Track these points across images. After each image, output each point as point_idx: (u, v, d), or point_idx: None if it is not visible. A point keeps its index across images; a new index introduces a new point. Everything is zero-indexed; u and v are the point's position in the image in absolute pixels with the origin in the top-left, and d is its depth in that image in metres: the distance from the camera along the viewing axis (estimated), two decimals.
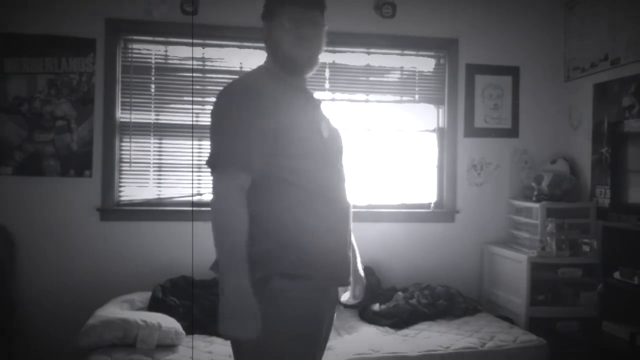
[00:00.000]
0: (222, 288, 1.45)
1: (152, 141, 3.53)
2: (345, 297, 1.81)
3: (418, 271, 3.71)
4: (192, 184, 3.50)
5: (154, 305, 2.95)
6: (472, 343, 2.82)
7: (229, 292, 1.44)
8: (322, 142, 1.58)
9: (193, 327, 2.77)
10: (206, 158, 1.56)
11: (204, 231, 3.44)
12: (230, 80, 1.67)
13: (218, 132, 1.55)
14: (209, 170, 1.54)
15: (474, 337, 2.90)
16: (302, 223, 1.53)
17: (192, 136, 3.49)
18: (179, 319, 2.77)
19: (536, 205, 3.48)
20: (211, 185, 1.52)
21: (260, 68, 1.68)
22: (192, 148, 3.49)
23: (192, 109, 3.51)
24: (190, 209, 3.42)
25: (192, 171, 3.50)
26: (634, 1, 3.24)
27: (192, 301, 2.99)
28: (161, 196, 3.53)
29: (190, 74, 3.51)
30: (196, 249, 3.30)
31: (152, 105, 3.53)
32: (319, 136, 1.57)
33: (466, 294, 3.56)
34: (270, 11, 1.62)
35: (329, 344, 1.78)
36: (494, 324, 3.13)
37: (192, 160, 3.49)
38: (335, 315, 1.73)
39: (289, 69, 1.62)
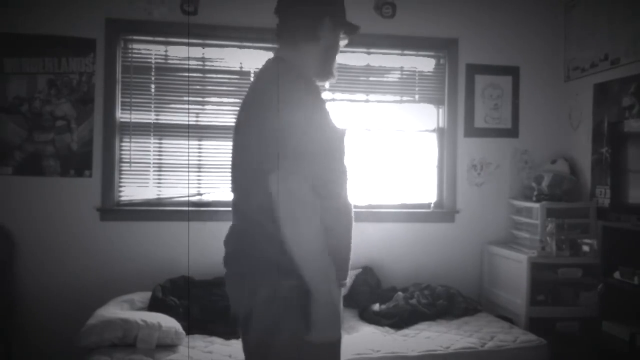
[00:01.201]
0: (316, 296, 1.42)
1: (152, 141, 3.53)
2: None
3: (418, 271, 3.71)
4: (189, 184, 3.49)
5: (154, 305, 2.95)
6: (472, 343, 2.82)
7: (323, 298, 1.42)
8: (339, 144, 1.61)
9: (189, 327, 2.77)
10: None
11: (204, 231, 3.44)
12: (271, 70, 1.60)
13: (291, 130, 1.44)
14: (272, 170, 1.41)
15: (474, 337, 2.90)
16: None
17: (189, 136, 3.49)
18: (179, 319, 2.77)
19: (536, 205, 3.48)
20: (279, 189, 1.39)
21: (293, 69, 1.60)
22: (189, 148, 3.49)
23: (189, 109, 3.51)
24: (190, 209, 3.42)
25: (189, 171, 3.49)
26: (634, 1, 3.24)
27: (189, 301, 2.99)
28: (161, 196, 3.53)
29: (191, 74, 3.52)
30: (196, 249, 3.30)
31: (152, 105, 3.53)
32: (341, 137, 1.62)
33: (466, 294, 3.55)
34: (326, 26, 1.65)
35: None
36: (494, 324, 3.13)
37: (189, 160, 3.48)
38: None
39: (323, 80, 1.78)
